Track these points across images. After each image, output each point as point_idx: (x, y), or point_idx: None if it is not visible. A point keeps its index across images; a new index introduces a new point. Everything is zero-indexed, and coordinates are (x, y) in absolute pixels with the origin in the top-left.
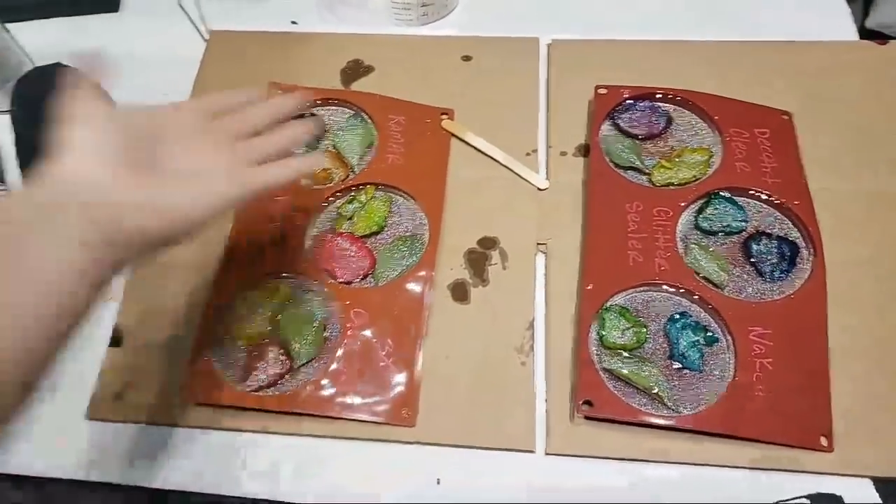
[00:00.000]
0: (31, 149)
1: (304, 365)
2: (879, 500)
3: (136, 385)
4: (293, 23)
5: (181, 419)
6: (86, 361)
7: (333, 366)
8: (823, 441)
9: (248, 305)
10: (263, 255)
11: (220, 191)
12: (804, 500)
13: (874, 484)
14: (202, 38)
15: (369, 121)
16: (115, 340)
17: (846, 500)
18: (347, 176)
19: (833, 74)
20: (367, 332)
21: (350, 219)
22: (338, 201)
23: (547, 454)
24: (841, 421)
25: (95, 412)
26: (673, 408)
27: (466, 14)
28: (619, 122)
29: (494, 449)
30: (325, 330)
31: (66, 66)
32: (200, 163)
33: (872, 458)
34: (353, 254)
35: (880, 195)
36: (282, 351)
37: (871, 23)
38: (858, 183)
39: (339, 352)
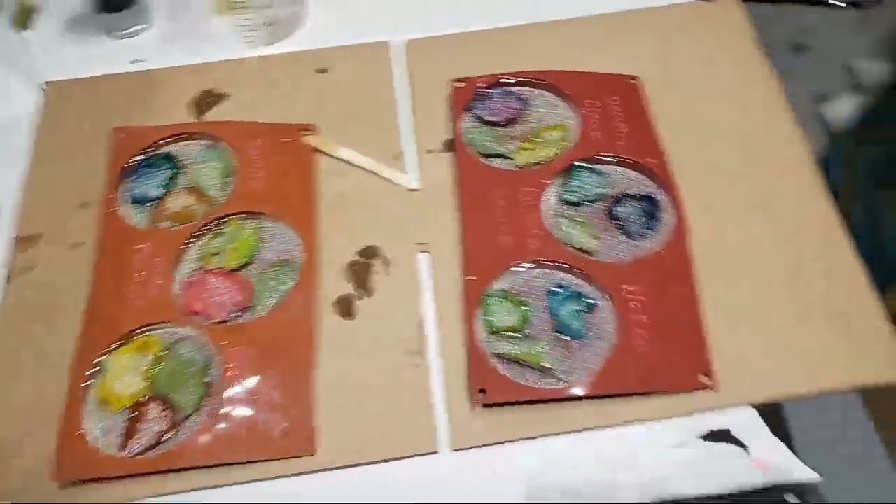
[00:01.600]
0: None
1: (189, 416)
2: (763, 425)
3: None
4: (136, 61)
5: (56, 500)
6: None
7: (221, 410)
8: (704, 379)
9: (118, 366)
10: (129, 309)
11: None
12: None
13: (756, 410)
14: (37, 92)
15: (226, 149)
16: None
17: (733, 433)
18: (210, 210)
19: (673, 35)
20: (251, 369)
21: (217, 254)
22: (203, 238)
23: (454, 451)
24: (720, 359)
25: None
26: (564, 378)
27: (316, 27)
28: (479, 112)
29: (401, 458)
30: (205, 375)
31: None
32: None
33: (750, 386)
34: (224, 290)
35: (727, 142)
36: (163, 406)
37: None
38: (704, 129)
39: (225, 395)
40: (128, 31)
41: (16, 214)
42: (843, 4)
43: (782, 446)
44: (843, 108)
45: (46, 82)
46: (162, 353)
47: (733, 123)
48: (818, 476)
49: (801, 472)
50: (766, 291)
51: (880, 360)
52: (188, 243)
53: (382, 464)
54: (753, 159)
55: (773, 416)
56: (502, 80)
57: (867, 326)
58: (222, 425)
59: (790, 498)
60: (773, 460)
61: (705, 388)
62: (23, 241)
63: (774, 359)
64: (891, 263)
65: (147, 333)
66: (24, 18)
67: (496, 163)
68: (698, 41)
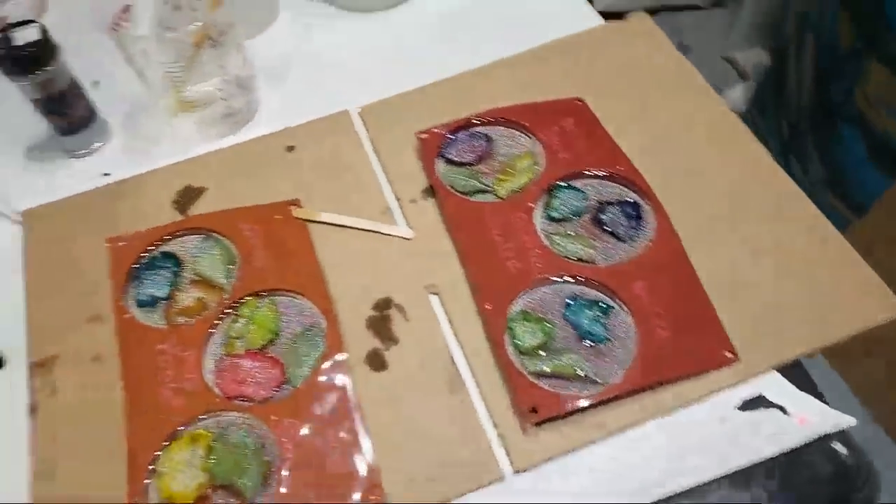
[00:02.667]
0: None
1: (256, 496)
2: (789, 384)
3: None
4: (106, 175)
5: None
6: None
7: (286, 488)
8: (728, 354)
9: (172, 465)
10: (167, 407)
11: None
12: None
13: (780, 373)
14: (12, 222)
15: (223, 238)
16: None
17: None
18: (221, 298)
19: (601, 55)
20: (306, 439)
21: (240, 338)
22: (223, 325)
23: (516, 473)
24: (731, 333)
25: None
26: (602, 381)
27: (273, 111)
28: (449, 155)
29: (470, 492)
30: (262, 454)
31: None
32: None
33: (767, 351)
34: (258, 369)
35: (671, 134)
36: (228, 493)
37: (598, 6)
38: (655, 131)
39: (286, 470)
40: (90, 150)
41: (24, 344)
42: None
43: (814, 399)
44: (736, 95)
45: (22, 212)
46: (212, 444)
47: (674, 118)
48: (853, 420)
49: (838, 419)
50: (746, 260)
51: (873, 301)
52: (209, 333)
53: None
54: (700, 145)
55: (796, 374)
56: (462, 124)
57: (848, 271)
58: (295, 496)
59: (838, 447)
60: (810, 414)
61: (731, 362)
62: (39, 367)
63: (779, 321)
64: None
65: (192, 428)
66: None
67: (479, 198)
68: (625, 56)
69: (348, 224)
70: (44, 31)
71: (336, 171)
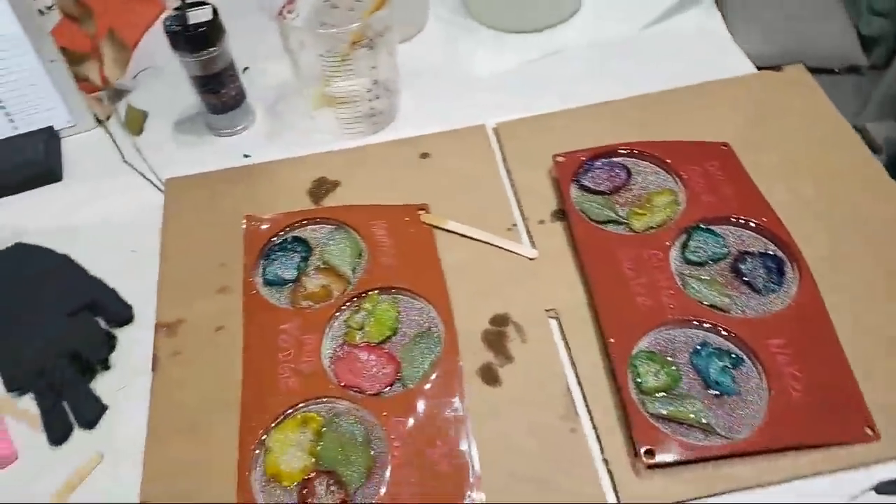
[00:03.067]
0: (3, 339)
1: (359, 488)
2: None
3: None
4: (246, 156)
5: None
6: None
7: (388, 485)
8: (868, 430)
9: (281, 443)
10: (283, 387)
11: None
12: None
13: None
14: (158, 189)
15: (353, 231)
16: None
17: None
18: (346, 288)
19: (749, 103)
20: (414, 438)
21: (361, 329)
22: (344, 314)
23: None
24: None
25: None
26: (726, 435)
27: (411, 117)
28: (585, 182)
29: None
30: (370, 448)
31: (26, 244)
32: None
33: None
34: (374, 362)
35: (824, 188)
36: (332, 480)
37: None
38: (804, 187)
39: (390, 467)
40: (235, 130)
41: (154, 304)
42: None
43: None
44: None
45: (166, 179)
46: (322, 429)
47: (826, 174)
48: None
49: None
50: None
51: None
52: (331, 320)
53: None
54: (851, 204)
55: None
56: (603, 152)
57: None
58: (393, 498)
59: None
60: None
61: (870, 440)
62: (165, 327)
63: None
64: None
65: (305, 409)
66: (137, 124)
67: (611, 228)
68: (777, 107)
69: (473, 236)
70: (215, 13)
71: (466, 183)
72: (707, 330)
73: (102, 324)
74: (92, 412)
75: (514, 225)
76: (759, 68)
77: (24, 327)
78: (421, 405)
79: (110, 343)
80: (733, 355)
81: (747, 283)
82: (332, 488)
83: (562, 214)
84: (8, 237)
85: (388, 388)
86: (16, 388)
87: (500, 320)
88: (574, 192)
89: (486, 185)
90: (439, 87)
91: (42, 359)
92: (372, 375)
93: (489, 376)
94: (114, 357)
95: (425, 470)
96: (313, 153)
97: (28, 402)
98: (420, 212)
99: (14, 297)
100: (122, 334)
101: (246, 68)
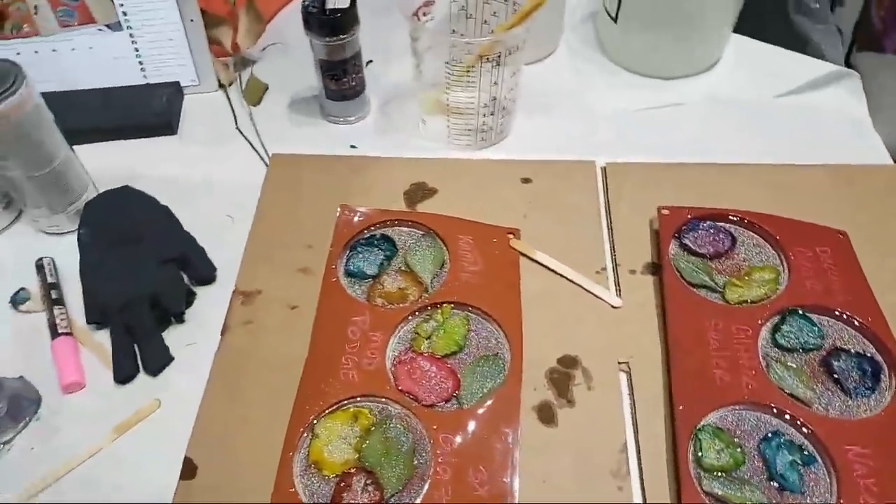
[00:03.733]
0: (95, 271)
1: (394, 495)
2: None
3: None
4: (353, 147)
5: None
6: (151, 495)
7: (423, 497)
8: None
9: (329, 432)
10: (343, 378)
11: None
12: None
13: None
14: (262, 161)
15: (440, 241)
16: (188, 472)
17: None
18: (422, 295)
19: (878, 195)
20: (458, 459)
21: (428, 338)
22: (414, 320)
23: None
24: None
25: None
26: None
27: (520, 139)
28: (686, 241)
29: None
30: (414, 457)
31: (133, 189)
32: None
33: None
34: (434, 374)
35: None
36: (369, 480)
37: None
38: None
39: (430, 481)
40: (347, 119)
41: (236, 271)
42: None
43: None
44: None
45: (272, 154)
46: (371, 427)
47: None
48: None
49: None
50: None
51: None
52: (401, 323)
53: None
54: None
55: None
56: (711, 214)
57: None
58: None
59: None
60: None
61: None
62: (242, 295)
63: None
64: None
65: (359, 405)
66: (256, 95)
67: (703, 293)
68: None
69: (560, 271)
70: (353, 3)
71: (563, 217)
72: (783, 419)
73: (185, 279)
74: (159, 360)
75: (604, 269)
76: None
77: (115, 265)
78: (472, 427)
79: (189, 299)
80: (806, 452)
81: (836, 381)
82: (369, 488)
83: (655, 269)
84: (119, 178)
85: (444, 403)
86: (94, 320)
87: (569, 362)
88: (673, 248)
89: (582, 223)
90: (556, 115)
91: (124, 298)
92: (430, 386)
93: (546, 415)
94: (189, 313)
95: (463, 492)
96: (417, 157)
97: (103, 337)
98: (510, 236)
99: (111, 235)
100: (202, 293)
101: (370, 61)
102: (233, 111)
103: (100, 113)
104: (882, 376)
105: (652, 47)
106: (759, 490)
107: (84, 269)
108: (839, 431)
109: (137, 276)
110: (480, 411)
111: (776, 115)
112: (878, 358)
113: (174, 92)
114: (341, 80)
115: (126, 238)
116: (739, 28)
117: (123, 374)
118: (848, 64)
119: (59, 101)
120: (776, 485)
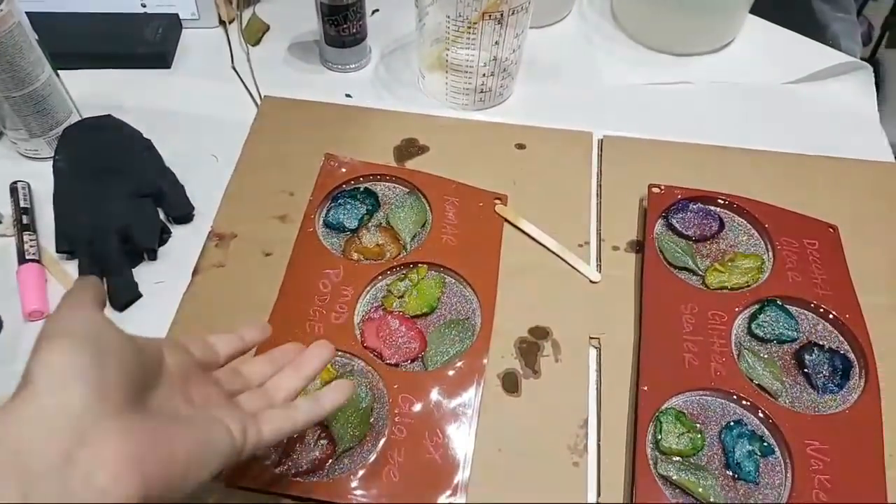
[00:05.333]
0: (67, 199)
1: (346, 451)
2: None
3: None
4: (347, 96)
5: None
6: None
7: (376, 455)
8: None
9: None
10: (308, 330)
11: (223, 446)
12: None
13: None
14: (255, 103)
15: (424, 200)
16: None
17: None
18: (399, 253)
19: (875, 193)
20: (415, 421)
21: (401, 297)
22: (389, 278)
23: None
24: None
25: None
26: None
27: (519, 104)
28: (673, 221)
29: None
30: (371, 414)
31: (115, 118)
32: (202, 411)
33: None
34: (402, 334)
35: None
36: (323, 434)
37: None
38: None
39: (384, 440)
40: (345, 67)
41: (214, 213)
42: None
43: None
44: None
45: (264, 96)
46: (331, 381)
47: None
48: None
49: None
50: None
51: None
52: (375, 280)
53: None
54: None
55: None
56: (701, 196)
57: None
58: (375, 472)
59: None
60: None
61: None
62: (217, 237)
63: None
64: None
65: None
66: (256, 35)
67: (683, 276)
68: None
69: (542, 241)
70: None
71: (553, 187)
72: (746, 409)
73: (161, 215)
74: (126, 295)
75: (587, 243)
76: None
77: (88, 195)
78: (434, 392)
79: (164, 236)
80: (766, 444)
81: (806, 376)
82: (322, 442)
83: (639, 247)
84: (106, 107)
85: (409, 363)
86: (64, 250)
87: (539, 332)
88: (659, 227)
89: (571, 195)
90: (559, 83)
91: (95, 229)
92: (396, 345)
93: (510, 384)
94: (162, 250)
95: (417, 455)
96: (412, 112)
97: (72, 268)
98: (497, 201)
99: (88, 164)
100: (177, 232)
101: (375, 10)
102: (230, 49)
103: (91, 39)
104: (852, 373)
105: (666, 21)
106: (713, 477)
107: (57, 196)
108: (801, 425)
109: (109, 208)
110: (444, 374)
111: (782, 102)
112: (851, 356)
113: (171, 24)
114: (341, 27)
115: (103, 168)
116: (759, 6)
117: None
118: (874, 59)
119: (49, 23)
120: (732, 473)
